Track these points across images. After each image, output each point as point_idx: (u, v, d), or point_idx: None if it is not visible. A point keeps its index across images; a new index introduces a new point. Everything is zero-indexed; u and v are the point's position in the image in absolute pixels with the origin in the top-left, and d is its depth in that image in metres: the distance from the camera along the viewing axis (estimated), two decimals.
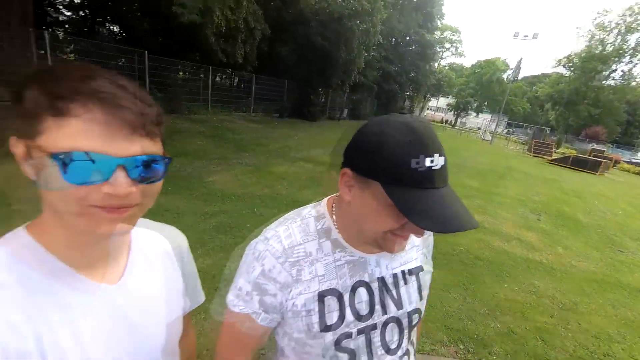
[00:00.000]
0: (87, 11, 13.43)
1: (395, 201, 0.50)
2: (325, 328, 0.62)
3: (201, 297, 0.71)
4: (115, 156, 0.40)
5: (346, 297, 0.64)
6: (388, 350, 0.67)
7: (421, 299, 0.71)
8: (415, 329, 0.74)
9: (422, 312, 0.72)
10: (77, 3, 13.37)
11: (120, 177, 0.40)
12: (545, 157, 18.76)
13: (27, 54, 7.35)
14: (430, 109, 58.26)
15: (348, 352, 0.64)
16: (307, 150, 8.63)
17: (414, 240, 0.73)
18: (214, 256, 3.00)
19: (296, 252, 0.63)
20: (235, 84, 17.85)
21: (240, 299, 0.64)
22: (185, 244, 0.67)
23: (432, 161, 0.50)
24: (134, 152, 0.41)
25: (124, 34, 12.69)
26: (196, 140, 7.44)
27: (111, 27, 13.62)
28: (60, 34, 10.33)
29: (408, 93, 32.06)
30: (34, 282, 0.43)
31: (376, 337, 0.66)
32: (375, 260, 0.67)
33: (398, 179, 0.50)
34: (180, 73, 11.81)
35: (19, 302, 0.41)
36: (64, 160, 0.38)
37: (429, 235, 0.77)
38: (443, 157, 0.52)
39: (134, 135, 0.41)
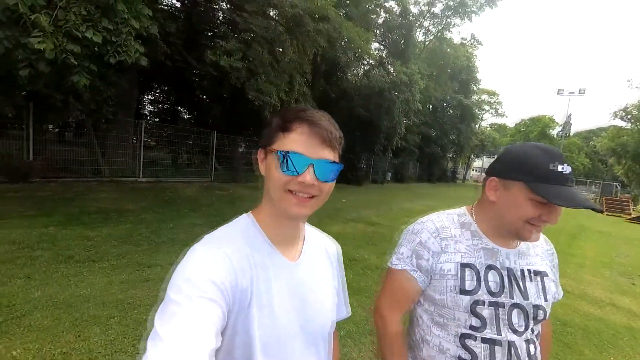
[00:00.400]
0: (169, 104, 16.55)
1: (539, 191, 0.72)
2: (464, 292, 0.79)
3: (348, 311, 0.84)
4: (310, 157, 0.60)
5: (482, 273, 0.81)
6: (515, 332, 0.78)
7: (545, 300, 0.83)
8: (542, 329, 0.86)
9: (547, 314, 0.83)
10: (163, 99, 16.60)
11: (310, 172, 0.59)
12: (623, 215, 16.74)
13: (132, 139, 9.12)
14: (476, 170, 56.48)
15: (480, 318, 0.78)
16: (357, 211, 8.86)
17: (537, 250, 0.90)
18: None
19: (444, 232, 0.86)
20: None
21: (400, 260, 0.88)
22: (341, 255, 0.84)
23: (562, 167, 0.73)
24: (321, 157, 0.60)
25: (197, 118, 15.14)
26: (253, 206, 8.11)
27: (187, 114, 16.42)
28: (146, 123, 12.65)
29: (450, 155, 32.01)
30: (251, 246, 0.64)
31: (504, 315, 0.78)
32: (506, 253, 0.84)
33: (540, 177, 0.73)
34: (240, 148, 13.42)
35: (245, 256, 0.62)
36: (282, 155, 0.60)
37: (552, 253, 0.93)
38: (569, 166, 0.75)
39: (323, 145, 0.61)
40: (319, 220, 7.20)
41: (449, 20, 21.86)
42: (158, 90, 15.79)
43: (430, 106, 25.48)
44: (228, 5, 10.54)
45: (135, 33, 3.72)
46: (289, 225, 0.68)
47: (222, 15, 12.44)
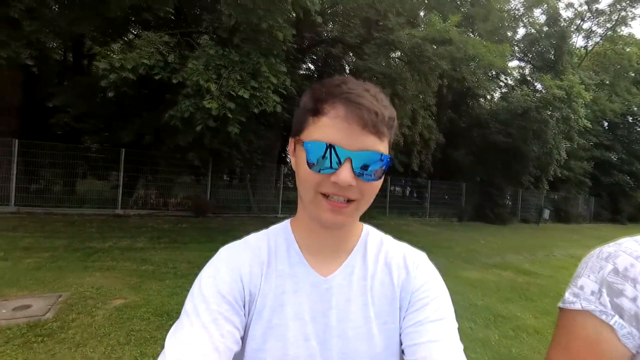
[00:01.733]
0: None
1: None
2: None
3: None
4: (346, 149, 0.44)
5: None
6: None
7: None
8: None
9: None
10: None
11: (346, 168, 0.45)
12: None
13: (274, 182, 10.80)
14: None
15: None
16: (501, 255, 7.27)
17: None
18: None
19: None
20: (409, 192, 18.73)
21: (579, 297, 0.51)
22: (430, 277, 0.57)
23: None
24: (361, 147, 0.45)
25: None
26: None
27: None
28: (287, 168, 14.74)
29: None
30: (275, 254, 0.55)
31: None
32: None
33: None
34: None
35: (258, 264, 0.54)
36: (309, 148, 0.46)
37: None
38: None
39: (365, 131, 0.45)
40: (450, 263, 6.25)
41: (623, 13, 17.13)
42: None
43: (606, 123, 19.67)
44: (353, 58, 11.67)
45: (274, 88, 4.53)
46: (325, 232, 0.54)
47: (348, 67, 13.85)
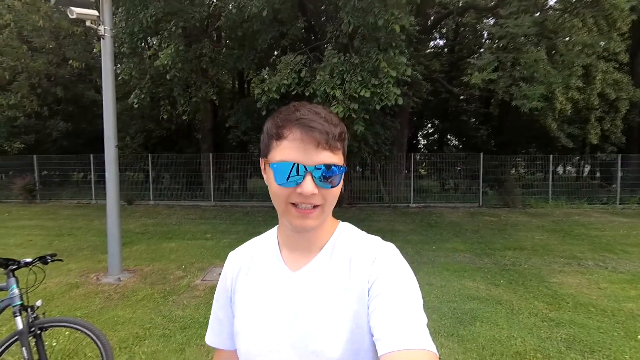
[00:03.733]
0: (437, 135, 17.63)
1: None
2: None
3: (411, 343, 0.46)
4: (306, 164, 0.53)
5: None
6: None
7: None
8: None
9: None
10: (433, 131, 18.00)
11: (308, 180, 0.53)
12: None
13: (404, 171, 10.69)
14: None
15: None
16: None
17: None
18: None
19: None
20: (587, 171, 14.43)
21: None
22: (386, 266, 0.58)
23: None
24: (319, 162, 0.53)
25: (465, 142, 15.01)
26: (533, 234, 6.60)
27: (456, 140, 16.72)
28: (418, 155, 14.13)
29: None
30: (262, 251, 0.67)
31: None
32: None
33: None
34: (519, 168, 11.60)
35: (244, 259, 0.67)
36: (275, 168, 0.54)
37: None
38: None
39: (319, 148, 0.53)
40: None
41: None
42: (429, 124, 17.42)
43: None
44: (491, 21, 9.97)
45: (394, 81, 4.55)
46: (298, 234, 0.62)
47: (486, 33, 11.93)
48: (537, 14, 6.82)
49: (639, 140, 11.35)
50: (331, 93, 4.51)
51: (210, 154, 10.47)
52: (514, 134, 12.68)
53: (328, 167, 0.54)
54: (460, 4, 7.73)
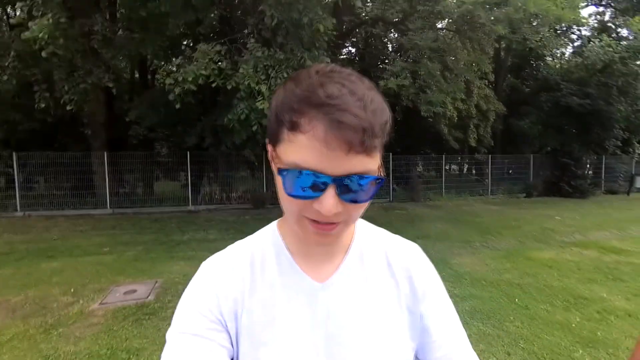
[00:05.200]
0: None
1: None
2: None
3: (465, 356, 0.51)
4: (329, 174, 0.37)
5: None
6: None
7: None
8: None
9: None
10: None
11: (329, 195, 0.38)
12: None
13: None
14: None
15: None
16: (581, 233, 6.56)
17: None
18: (473, 345, 2.65)
19: None
20: (466, 169, 17.53)
21: None
22: (426, 268, 0.54)
23: None
24: (347, 171, 0.38)
25: None
26: (436, 224, 7.63)
27: None
28: None
29: None
30: (262, 261, 0.51)
31: None
32: None
33: None
34: (419, 167, 13.25)
35: (244, 274, 0.50)
36: (284, 176, 0.39)
37: None
38: None
39: (351, 152, 0.37)
40: (520, 244, 5.85)
41: None
42: None
43: None
44: (395, 35, 11.14)
45: None
46: (313, 246, 0.51)
47: (391, 45, 13.27)
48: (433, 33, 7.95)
49: (501, 144, 14.32)
50: (256, 88, 4.29)
51: (105, 153, 8.83)
52: (414, 138, 14.49)
53: (359, 178, 0.38)
54: (371, 16, 8.40)
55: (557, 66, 14.71)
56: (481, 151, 13.76)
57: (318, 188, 0.38)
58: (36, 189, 9.38)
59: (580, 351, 2.58)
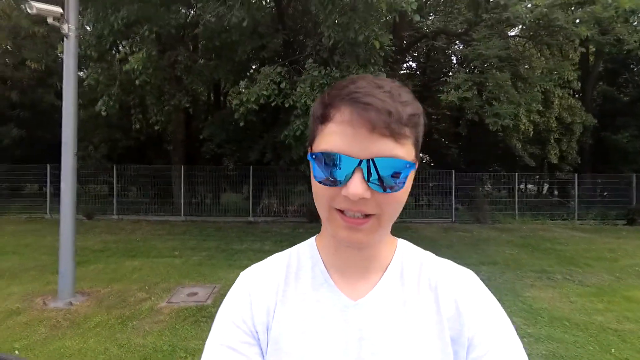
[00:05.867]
0: None
1: None
2: None
3: None
4: (355, 157, 0.38)
5: None
6: None
7: None
8: None
9: None
10: None
11: (357, 179, 0.38)
12: None
13: None
14: None
15: None
16: None
17: None
18: None
19: None
20: (546, 189, 15.44)
21: None
22: (475, 291, 0.49)
23: None
24: (373, 154, 0.38)
25: (437, 160, 15.60)
26: (504, 249, 6.80)
27: (428, 159, 17.34)
28: None
29: None
30: (297, 272, 0.50)
31: None
32: None
33: None
34: (487, 185, 12.13)
35: (278, 283, 0.50)
36: (314, 160, 0.41)
37: None
38: None
39: (374, 134, 0.38)
40: (617, 280, 4.90)
41: None
42: None
43: None
44: (459, 46, 10.63)
45: None
46: (351, 250, 0.48)
47: (455, 57, 12.67)
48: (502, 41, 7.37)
49: (591, 161, 12.34)
50: (312, 105, 4.45)
51: (182, 166, 10.00)
52: (481, 153, 13.35)
53: (388, 161, 0.38)
54: (432, 29, 8.18)
55: None
56: (565, 169, 12.01)
57: (346, 172, 0.39)
58: (129, 196, 10.99)
59: None
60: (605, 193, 11.64)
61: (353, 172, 0.38)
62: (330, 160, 0.39)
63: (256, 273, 0.52)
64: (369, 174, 0.38)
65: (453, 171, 10.77)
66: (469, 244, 7.22)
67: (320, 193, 0.42)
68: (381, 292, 0.47)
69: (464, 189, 10.86)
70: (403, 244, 0.53)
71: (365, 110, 0.38)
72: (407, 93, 0.41)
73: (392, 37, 5.06)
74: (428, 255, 0.53)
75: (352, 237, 0.42)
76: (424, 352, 0.44)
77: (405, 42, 9.80)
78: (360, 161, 0.38)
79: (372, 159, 0.38)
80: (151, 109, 7.32)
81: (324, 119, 0.41)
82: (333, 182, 0.40)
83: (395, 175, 0.39)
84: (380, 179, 0.39)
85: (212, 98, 13.52)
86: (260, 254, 5.92)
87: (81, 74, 6.95)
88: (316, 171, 0.41)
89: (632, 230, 9.41)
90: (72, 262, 3.72)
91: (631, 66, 12.58)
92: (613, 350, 2.89)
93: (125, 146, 11.57)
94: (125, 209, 10.03)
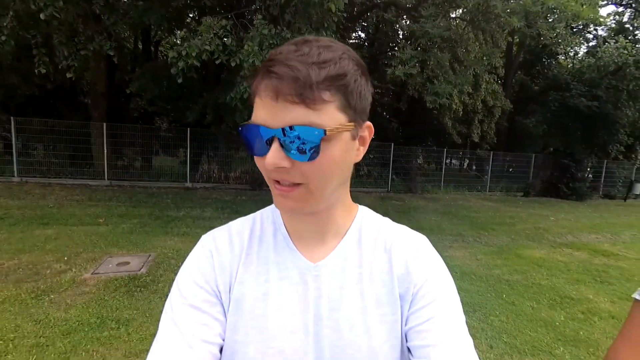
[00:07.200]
0: None
1: None
2: None
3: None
4: (269, 127, 0.39)
5: None
6: None
7: None
8: None
9: None
10: None
11: (274, 149, 0.39)
12: None
13: None
14: None
15: None
16: (574, 234, 6.60)
17: None
18: None
19: None
20: (466, 164, 17.50)
21: None
22: (425, 254, 0.51)
23: None
24: (286, 122, 0.38)
25: (377, 132, 16.30)
26: (430, 216, 7.66)
27: None
28: None
29: None
30: (261, 236, 0.52)
31: None
32: None
33: None
34: (419, 159, 13.19)
35: (241, 246, 0.51)
36: (241, 133, 0.42)
37: None
38: None
39: (280, 102, 0.38)
40: (512, 241, 5.89)
41: None
42: None
43: None
44: (407, 21, 10.83)
45: None
46: (305, 217, 0.49)
47: (402, 32, 12.93)
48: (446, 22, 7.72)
49: (505, 142, 14.22)
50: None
51: (104, 124, 8.72)
52: (418, 129, 14.35)
53: (300, 129, 0.38)
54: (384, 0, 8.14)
55: (569, 65, 14.43)
56: (483, 147, 13.68)
57: (263, 142, 0.40)
58: (34, 155, 9.31)
59: (562, 348, 2.63)
60: (511, 169, 13.67)
61: (271, 142, 0.39)
62: (252, 133, 0.40)
63: (220, 236, 0.52)
64: (286, 143, 0.39)
65: (392, 144, 11.43)
66: (401, 212, 7.93)
67: (258, 164, 0.43)
68: (339, 254, 0.49)
69: (400, 162, 11.69)
70: (363, 211, 0.55)
71: (270, 79, 0.38)
72: (333, 52, 0.39)
73: (347, 1, 4.90)
74: (385, 221, 0.55)
75: (283, 204, 0.44)
76: (374, 306, 0.47)
77: (356, 9, 9.62)
78: (274, 130, 0.39)
79: (284, 128, 0.38)
80: (60, 52, 6.06)
81: (253, 92, 0.41)
82: (259, 153, 0.41)
83: (303, 140, 0.38)
84: (293, 145, 0.38)
85: (141, 47, 11.76)
86: (201, 221, 5.69)
87: None
88: (245, 143, 0.42)
89: (526, 201, 11.37)
90: None
91: (544, 59, 14.42)
92: (504, 295, 3.58)
93: (27, 94, 9.57)
94: (30, 170, 8.54)
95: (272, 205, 0.53)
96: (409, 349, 0.46)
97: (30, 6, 4.42)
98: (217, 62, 4.51)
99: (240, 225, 0.53)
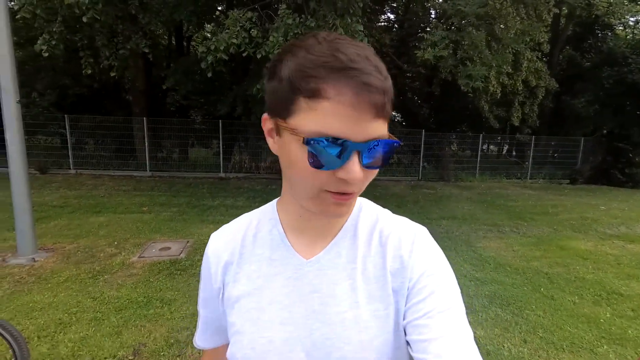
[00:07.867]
0: None
1: None
2: None
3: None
4: (355, 141, 0.37)
5: None
6: None
7: None
8: None
9: None
10: None
11: (356, 163, 0.38)
12: None
13: None
14: None
15: None
16: (628, 225, 6.03)
17: None
18: (487, 329, 2.65)
19: None
20: (506, 150, 16.44)
21: None
22: (421, 246, 0.49)
23: None
24: (370, 136, 0.37)
25: (408, 119, 15.78)
26: (463, 205, 7.37)
27: (400, 117, 17.48)
28: None
29: None
30: (257, 233, 0.53)
31: None
32: None
33: None
34: (453, 145, 12.63)
35: (236, 243, 0.53)
36: (313, 145, 0.37)
37: None
38: None
39: (376, 117, 0.37)
40: (554, 232, 5.53)
41: None
42: None
43: None
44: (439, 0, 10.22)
45: None
46: (317, 218, 0.48)
47: (434, 11, 12.24)
48: None
49: (548, 124, 13.14)
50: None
51: (144, 119, 9.31)
52: (450, 114, 13.68)
53: (381, 142, 0.38)
54: None
55: (627, 37, 12.85)
56: (524, 131, 12.73)
57: (346, 155, 0.37)
58: (86, 149, 10.21)
59: (605, 347, 2.48)
60: (555, 155, 12.66)
61: (352, 155, 0.38)
62: (333, 147, 0.37)
63: (219, 234, 0.56)
64: (365, 156, 0.38)
65: (423, 131, 11.04)
66: (432, 201, 7.71)
67: (312, 176, 0.39)
68: (333, 250, 0.49)
69: (432, 149, 11.28)
70: (361, 204, 0.54)
71: (370, 93, 0.36)
72: (381, 62, 0.39)
73: None
74: (384, 213, 0.54)
75: (336, 211, 0.43)
76: (366, 301, 0.47)
77: None
78: (360, 144, 0.37)
79: (369, 141, 0.38)
80: (102, 52, 6.51)
81: (314, 94, 0.36)
82: (330, 166, 0.38)
83: (387, 152, 0.40)
84: (372, 158, 0.39)
85: (175, 43, 12.26)
86: (234, 210, 5.96)
87: (12, 4, 5.89)
88: (315, 158, 0.38)
89: (573, 189, 10.51)
90: (30, 218, 3.53)
91: (597, 31, 12.96)
92: (542, 289, 3.40)
93: (77, 94, 10.44)
94: (84, 163, 9.38)
95: (274, 202, 0.55)
96: (408, 343, 0.45)
97: (75, 10, 4.78)
98: (244, 54, 4.60)
99: (239, 223, 0.55)
